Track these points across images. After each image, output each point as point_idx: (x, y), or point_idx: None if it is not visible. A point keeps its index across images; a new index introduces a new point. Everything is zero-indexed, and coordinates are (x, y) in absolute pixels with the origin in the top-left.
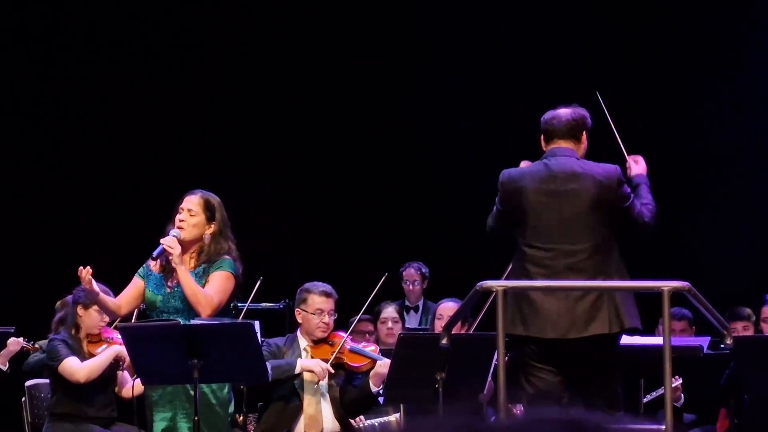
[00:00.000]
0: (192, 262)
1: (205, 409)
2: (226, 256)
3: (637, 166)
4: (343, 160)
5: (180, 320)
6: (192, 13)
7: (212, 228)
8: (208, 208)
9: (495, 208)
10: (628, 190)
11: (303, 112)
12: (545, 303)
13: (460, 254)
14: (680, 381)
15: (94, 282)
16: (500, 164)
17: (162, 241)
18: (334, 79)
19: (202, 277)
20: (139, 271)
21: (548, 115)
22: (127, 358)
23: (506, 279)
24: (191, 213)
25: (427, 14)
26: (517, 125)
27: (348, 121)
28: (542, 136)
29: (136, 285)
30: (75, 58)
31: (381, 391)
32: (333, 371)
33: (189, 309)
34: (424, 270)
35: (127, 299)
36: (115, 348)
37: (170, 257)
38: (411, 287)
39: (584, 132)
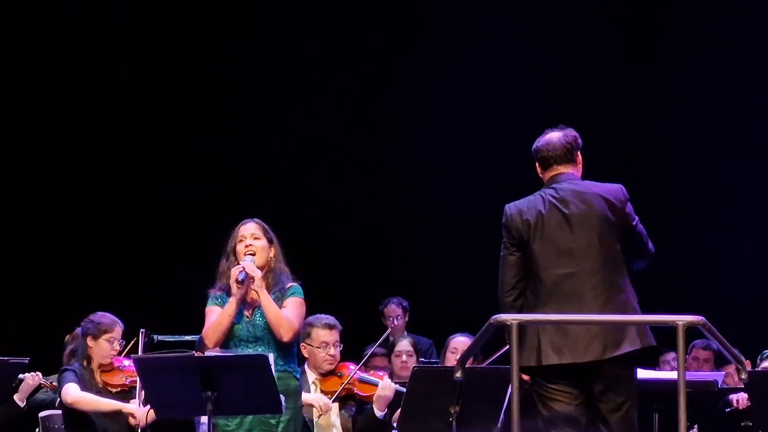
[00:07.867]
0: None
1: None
2: (294, 283)
3: None
4: (350, 176)
5: (261, 350)
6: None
7: (273, 251)
8: (267, 232)
9: (503, 255)
10: (633, 210)
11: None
12: (575, 328)
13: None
14: (695, 430)
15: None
16: (485, 195)
17: (243, 265)
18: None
19: (277, 304)
20: (215, 300)
21: (540, 142)
22: (139, 419)
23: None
24: (256, 237)
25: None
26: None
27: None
28: (537, 165)
29: (216, 314)
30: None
31: (386, 416)
32: (331, 408)
33: (269, 338)
34: (405, 304)
35: None
36: (127, 407)
37: (251, 282)
38: (395, 323)
39: (578, 152)
